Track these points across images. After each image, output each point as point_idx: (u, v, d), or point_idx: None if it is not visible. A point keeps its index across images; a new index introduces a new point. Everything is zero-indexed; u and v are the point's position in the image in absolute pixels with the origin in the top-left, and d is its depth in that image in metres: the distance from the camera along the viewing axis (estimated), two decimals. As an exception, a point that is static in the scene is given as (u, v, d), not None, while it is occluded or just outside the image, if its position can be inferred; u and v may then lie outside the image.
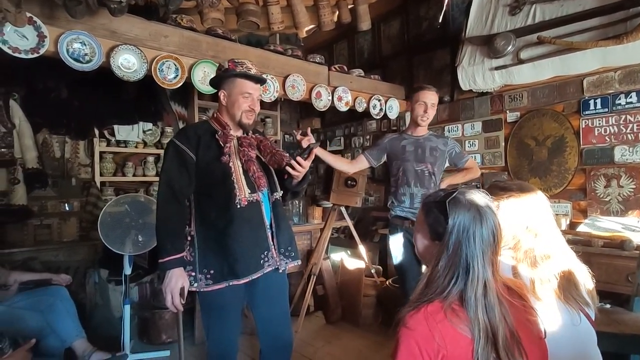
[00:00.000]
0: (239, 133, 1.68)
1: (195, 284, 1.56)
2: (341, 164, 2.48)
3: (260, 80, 1.67)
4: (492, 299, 0.90)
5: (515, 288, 1.00)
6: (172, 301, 1.50)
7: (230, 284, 1.55)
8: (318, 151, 2.10)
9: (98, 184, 3.63)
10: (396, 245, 2.34)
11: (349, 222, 3.22)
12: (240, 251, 1.55)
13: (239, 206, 1.57)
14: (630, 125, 2.62)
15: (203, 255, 1.57)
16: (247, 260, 1.57)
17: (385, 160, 2.48)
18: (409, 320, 0.89)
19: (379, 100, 3.64)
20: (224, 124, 1.64)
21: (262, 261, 1.61)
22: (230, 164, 1.58)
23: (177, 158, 1.56)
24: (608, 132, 2.71)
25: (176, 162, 1.56)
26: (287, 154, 1.69)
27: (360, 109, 3.51)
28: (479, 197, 0.97)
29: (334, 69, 3.37)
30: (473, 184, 2.31)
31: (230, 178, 1.57)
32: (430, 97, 2.32)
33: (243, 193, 1.58)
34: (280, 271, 1.69)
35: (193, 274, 1.56)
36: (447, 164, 2.47)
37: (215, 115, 1.69)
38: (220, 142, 1.58)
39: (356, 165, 2.48)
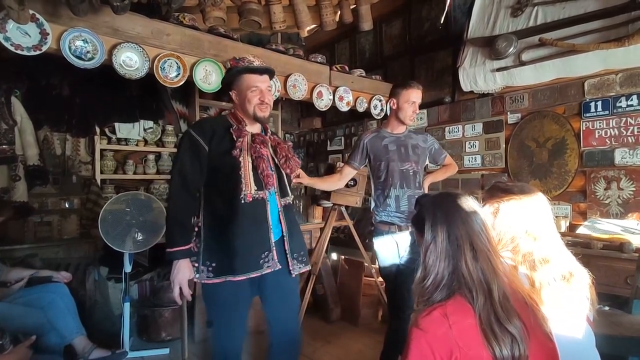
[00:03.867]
0: (255, 130, 1.69)
1: (197, 275, 1.58)
2: (333, 184, 2.38)
3: (265, 71, 1.66)
4: (484, 262, 0.94)
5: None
6: (181, 292, 1.53)
7: (227, 279, 1.56)
8: (306, 181, 2.10)
9: (98, 182, 3.64)
10: (382, 247, 2.22)
11: (349, 222, 3.22)
12: (239, 247, 1.56)
13: (243, 201, 1.57)
14: (631, 127, 2.62)
15: (207, 248, 1.59)
16: (246, 258, 1.57)
17: (367, 161, 2.35)
18: (422, 322, 0.91)
19: (380, 101, 3.64)
20: (240, 119, 1.65)
21: (261, 261, 1.60)
22: (241, 158, 1.58)
23: (190, 148, 1.57)
24: (609, 134, 2.71)
25: (190, 152, 1.57)
26: (300, 161, 1.75)
27: (361, 109, 3.52)
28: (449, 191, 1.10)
29: (335, 69, 3.37)
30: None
31: (238, 172, 1.57)
32: (418, 96, 2.21)
33: (249, 189, 1.58)
34: (293, 276, 1.70)
35: (196, 264, 1.58)
36: (427, 162, 2.37)
37: (233, 110, 1.71)
38: (234, 136, 1.59)
39: (344, 179, 2.38)
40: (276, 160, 1.70)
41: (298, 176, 1.97)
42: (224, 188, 1.59)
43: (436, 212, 1.02)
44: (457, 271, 0.95)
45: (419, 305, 0.97)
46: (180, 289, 1.54)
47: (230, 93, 1.67)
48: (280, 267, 1.65)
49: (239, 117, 1.66)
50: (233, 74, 1.63)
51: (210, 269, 1.57)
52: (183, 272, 1.52)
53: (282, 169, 1.71)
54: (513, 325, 0.89)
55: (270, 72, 1.69)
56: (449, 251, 0.97)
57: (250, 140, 1.64)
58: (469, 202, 1.03)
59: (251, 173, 1.60)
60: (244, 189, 1.57)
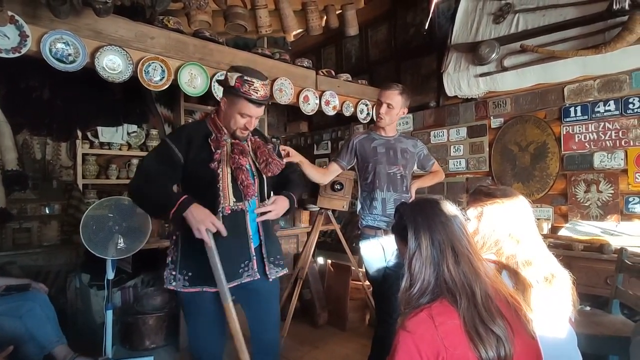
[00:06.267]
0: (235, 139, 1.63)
1: (174, 283, 1.56)
2: (319, 175, 2.30)
3: (262, 104, 1.57)
4: (465, 265, 0.96)
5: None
6: (212, 225, 1.43)
7: (204, 289, 1.54)
8: (297, 159, 2.04)
9: (80, 187, 3.56)
10: (368, 251, 2.17)
11: (336, 226, 3.22)
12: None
13: (222, 214, 1.54)
14: (609, 132, 2.70)
15: (185, 257, 1.57)
16: (225, 269, 1.52)
17: (354, 162, 2.32)
18: (408, 324, 0.92)
19: (366, 105, 3.67)
20: (220, 127, 1.59)
21: (241, 270, 1.59)
22: (219, 170, 1.54)
23: (161, 154, 1.55)
24: (588, 138, 2.79)
25: (154, 156, 1.57)
26: (284, 163, 1.68)
27: (347, 113, 3.54)
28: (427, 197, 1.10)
29: (321, 73, 3.39)
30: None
31: (216, 185, 1.53)
32: (386, 96, 2.15)
33: (227, 201, 1.55)
34: (270, 280, 1.67)
35: (173, 273, 1.56)
36: (414, 167, 2.38)
37: (213, 116, 1.63)
38: (212, 147, 1.53)
39: (330, 175, 2.34)
40: (257, 164, 1.64)
41: (288, 154, 1.94)
42: (202, 199, 1.52)
43: (417, 218, 1.02)
44: (440, 276, 0.96)
45: (406, 310, 0.98)
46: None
47: (220, 99, 1.60)
48: (259, 277, 1.63)
49: (218, 124, 1.59)
50: (232, 92, 1.51)
51: (186, 277, 1.55)
52: (197, 211, 1.42)
53: (262, 173, 1.65)
54: (497, 326, 0.90)
55: (266, 104, 1.60)
56: (434, 257, 0.97)
57: (229, 150, 1.58)
58: (447, 207, 1.05)
59: (230, 185, 1.56)
60: (222, 201, 1.54)
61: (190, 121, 4.04)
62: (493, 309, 0.93)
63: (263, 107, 1.59)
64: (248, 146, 1.64)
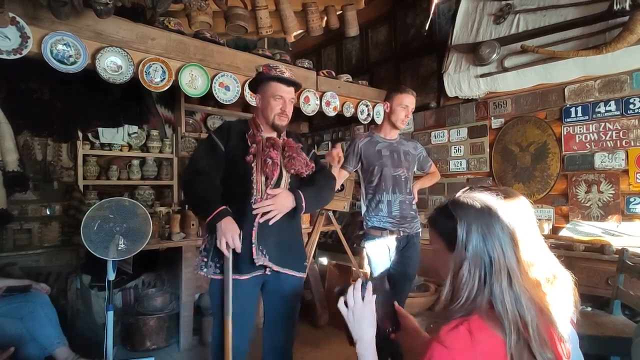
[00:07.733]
0: (272, 134, 1.71)
1: (205, 270, 1.63)
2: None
3: (292, 83, 1.69)
4: (519, 289, 0.85)
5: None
6: (232, 242, 1.51)
7: (234, 277, 1.58)
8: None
9: (81, 188, 3.56)
10: (374, 252, 2.19)
11: (337, 227, 3.22)
12: (245, 249, 1.58)
13: (253, 205, 1.60)
14: (609, 132, 2.69)
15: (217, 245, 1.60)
16: (251, 259, 1.60)
17: (359, 166, 2.34)
18: (446, 338, 0.83)
19: (367, 106, 3.67)
20: (258, 125, 1.70)
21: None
22: (253, 164, 1.61)
23: (206, 147, 1.67)
24: (588, 139, 2.79)
25: (204, 149, 1.67)
26: (312, 165, 1.71)
27: (348, 114, 3.54)
28: (479, 193, 1.00)
29: (322, 74, 3.39)
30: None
31: (250, 177, 1.61)
32: (412, 101, 2.25)
33: (260, 194, 1.61)
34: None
35: (205, 260, 1.63)
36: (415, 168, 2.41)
37: (254, 116, 1.76)
38: (248, 142, 1.64)
39: (340, 182, 2.35)
40: (282, 157, 1.68)
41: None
42: (236, 191, 1.63)
43: (471, 228, 0.89)
44: (488, 297, 0.86)
45: (437, 321, 0.90)
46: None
47: (255, 97, 1.73)
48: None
49: (257, 122, 1.71)
50: (262, 79, 1.67)
51: (217, 265, 1.61)
52: (230, 225, 1.52)
53: (285, 168, 1.67)
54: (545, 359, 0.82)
55: (296, 85, 1.73)
56: (484, 273, 0.87)
57: (263, 145, 1.66)
58: (509, 219, 0.92)
59: (263, 178, 1.62)
60: (254, 193, 1.60)
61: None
62: (544, 338, 0.84)
63: (293, 89, 1.71)
64: (279, 143, 1.70)
